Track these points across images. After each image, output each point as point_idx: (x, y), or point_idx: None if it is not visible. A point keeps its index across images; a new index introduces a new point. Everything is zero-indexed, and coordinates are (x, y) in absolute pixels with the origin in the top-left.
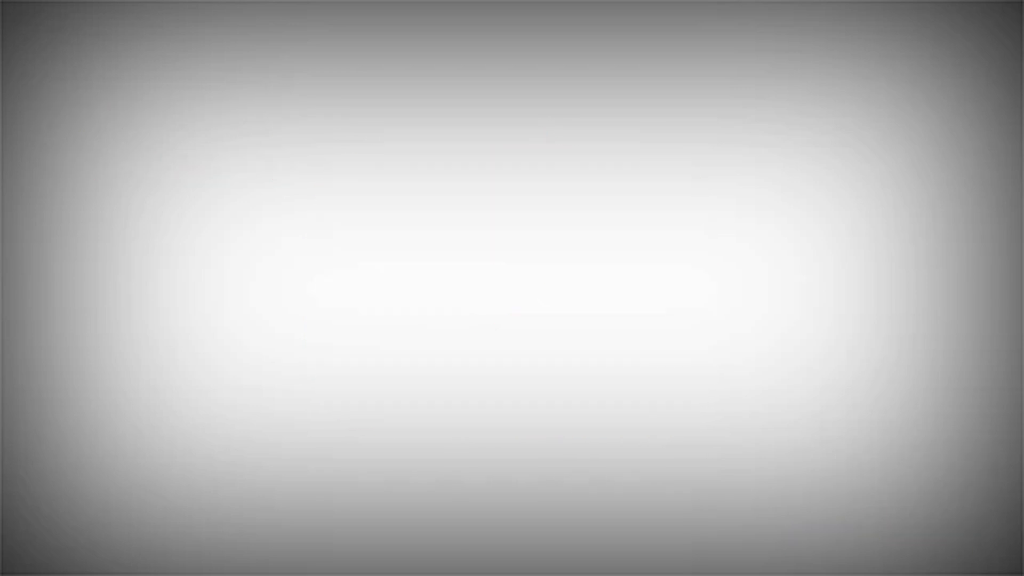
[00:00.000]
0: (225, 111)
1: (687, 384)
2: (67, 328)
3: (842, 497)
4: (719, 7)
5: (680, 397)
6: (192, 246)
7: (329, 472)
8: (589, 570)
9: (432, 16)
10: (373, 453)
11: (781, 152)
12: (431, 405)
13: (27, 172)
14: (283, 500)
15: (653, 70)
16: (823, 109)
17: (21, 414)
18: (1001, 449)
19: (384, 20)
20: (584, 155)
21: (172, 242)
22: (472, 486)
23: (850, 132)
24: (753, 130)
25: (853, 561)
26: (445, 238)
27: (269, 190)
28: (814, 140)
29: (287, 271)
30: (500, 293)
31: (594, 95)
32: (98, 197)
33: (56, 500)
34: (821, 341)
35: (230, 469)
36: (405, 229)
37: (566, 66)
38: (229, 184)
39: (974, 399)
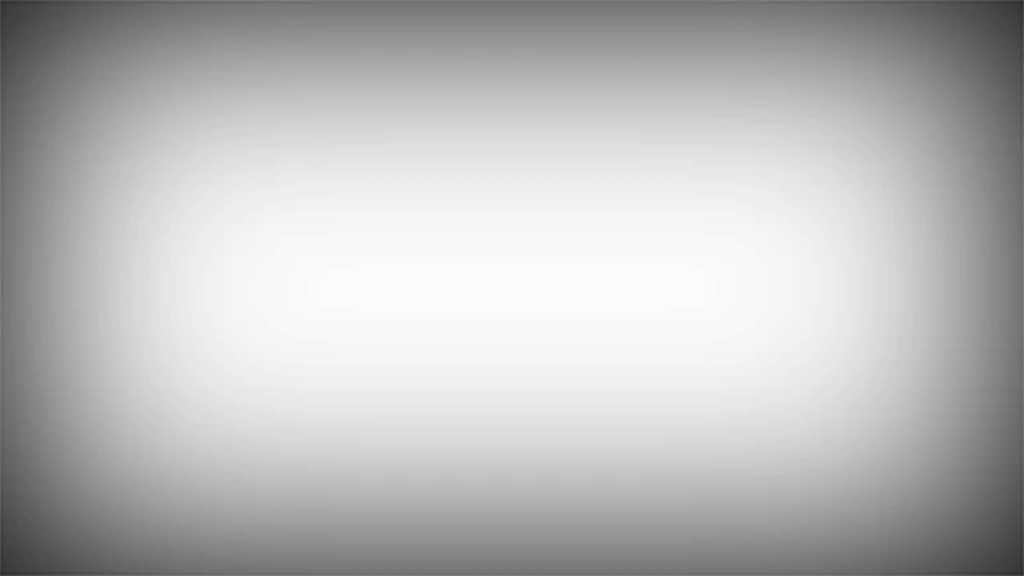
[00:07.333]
0: (225, 111)
1: (686, 384)
2: (67, 328)
3: (842, 497)
4: (719, 7)
5: (679, 396)
6: (192, 246)
7: (329, 472)
8: (588, 570)
9: (432, 16)
10: (373, 453)
11: (781, 152)
12: (431, 405)
13: (27, 172)
14: (283, 500)
15: (653, 70)
16: (823, 109)
17: (21, 414)
18: (1001, 449)
19: (384, 20)
20: (584, 155)
21: (172, 242)
22: (472, 485)
23: (850, 132)
24: (753, 130)
25: (853, 561)
26: (445, 238)
27: (269, 190)
28: (814, 140)
29: (287, 271)
30: (500, 293)
31: (594, 95)
32: (98, 197)
33: (56, 500)
34: (821, 341)
35: (230, 469)
36: (405, 229)
37: (566, 66)
38: (229, 184)
39: (974, 399)
